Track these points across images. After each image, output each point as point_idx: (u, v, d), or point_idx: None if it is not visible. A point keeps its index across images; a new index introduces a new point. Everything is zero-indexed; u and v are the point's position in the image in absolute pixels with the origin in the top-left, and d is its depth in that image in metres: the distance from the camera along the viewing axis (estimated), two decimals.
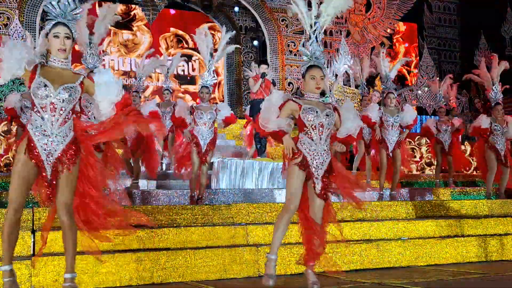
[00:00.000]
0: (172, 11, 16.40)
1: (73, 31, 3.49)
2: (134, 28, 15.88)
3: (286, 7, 4.39)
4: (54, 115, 3.36)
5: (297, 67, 17.24)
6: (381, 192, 7.55)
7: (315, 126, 3.86)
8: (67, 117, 3.41)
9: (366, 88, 9.02)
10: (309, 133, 3.88)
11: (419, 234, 5.87)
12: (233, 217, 5.77)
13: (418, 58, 18.61)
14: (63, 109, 3.38)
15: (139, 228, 3.90)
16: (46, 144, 3.36)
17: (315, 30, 3.98)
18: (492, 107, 7.86)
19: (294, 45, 17.30)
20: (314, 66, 3.92)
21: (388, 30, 18.24)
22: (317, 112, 3.86)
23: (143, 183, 7.82)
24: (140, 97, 7.97)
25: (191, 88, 16.33)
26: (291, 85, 17.17)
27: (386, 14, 17.93)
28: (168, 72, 9.83)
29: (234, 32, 7.19)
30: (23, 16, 14.02)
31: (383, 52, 8.04)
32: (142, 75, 8.69)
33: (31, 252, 4.36)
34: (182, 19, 16.32)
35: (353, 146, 9.12)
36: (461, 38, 19.23)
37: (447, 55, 19.21)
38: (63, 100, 3.37)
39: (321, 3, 4.05)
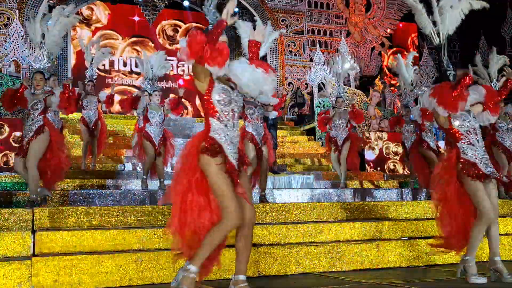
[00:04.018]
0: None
1: None
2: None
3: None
4: None
5: (297, 67, 17.25)
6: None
7: (227, 112, 3.32)
8: None
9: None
10: (221, 118, 3.31)
11: (419, 234, 5.87)
12: None
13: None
14: None
15: None
16: None
17: None
18: None
19: (294, 45, 17.30)
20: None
21: (388, 30, 18.25)
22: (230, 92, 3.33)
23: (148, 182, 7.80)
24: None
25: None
26: (291, 85, 17.17)
27: (386, 14, 17.95)
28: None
29: (282, 30, 7.16)
30: (23, 16, 14.03)
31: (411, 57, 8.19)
32: (156, 74, 7.70)
33: (31, 252, 4.36)
34: None
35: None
36: (461, 38, 19.22)
37: (447, 55, 19.19)
38: None
39: None
